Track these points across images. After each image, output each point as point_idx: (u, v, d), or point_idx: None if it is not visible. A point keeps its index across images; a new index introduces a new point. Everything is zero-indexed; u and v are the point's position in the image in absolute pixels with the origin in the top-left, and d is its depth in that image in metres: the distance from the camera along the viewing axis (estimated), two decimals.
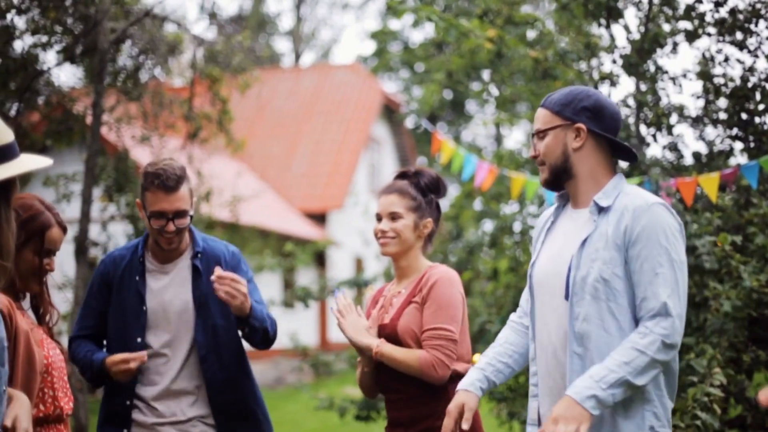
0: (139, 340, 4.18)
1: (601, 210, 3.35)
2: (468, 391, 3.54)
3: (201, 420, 4.19)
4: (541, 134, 3.47)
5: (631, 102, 6.93)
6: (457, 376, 3.77)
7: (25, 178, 10.04)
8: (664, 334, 3.15)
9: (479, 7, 7.81)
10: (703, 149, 6.94)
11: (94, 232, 10.22)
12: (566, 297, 3.34)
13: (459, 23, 7.61)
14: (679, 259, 3.25)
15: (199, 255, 4.21)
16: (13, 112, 9.66)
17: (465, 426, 3.44)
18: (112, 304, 4.26)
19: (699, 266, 6.00)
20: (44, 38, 9.48)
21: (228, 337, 4.19)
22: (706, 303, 5.90)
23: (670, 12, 6.94)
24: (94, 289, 4.31)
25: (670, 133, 6.94)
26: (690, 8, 6.81)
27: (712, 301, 5.63)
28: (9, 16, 9.22)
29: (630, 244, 3.25)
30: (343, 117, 25.73)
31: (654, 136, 6.96)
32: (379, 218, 3.99)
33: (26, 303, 3.67)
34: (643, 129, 6.97)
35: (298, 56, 40.24)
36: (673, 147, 6.96)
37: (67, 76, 33.45)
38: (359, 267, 24.54)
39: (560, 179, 3.47)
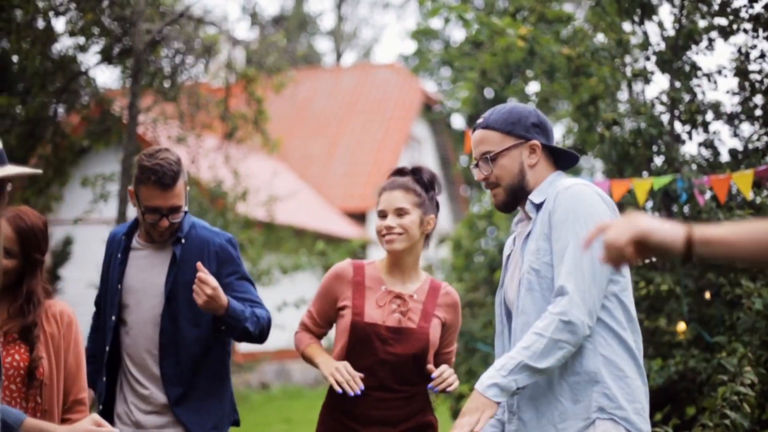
0: (113, 318, 4.19)
1: (537, 207, 3.35)
2: None
3: (156, 412, 4.18)
4: (492, 156, 3.42)
5: (665, 99, 6.88)
6: None
7: (64, 179, 10.15)
8: (559, 312, 3.11)
9: (512, 5, 7.80)
10: (739, 146, 6.87)
11: None
12: None
13: (491, 21, 7.59)
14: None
15: (181, 241, 4.16)
16: (51, 113, 9.78)
17: None
18: (103, 284, 4.32)
19: (731, 264, 5.95)
20: (82, 40, 9.59)
21: (191, 332, 4.13)
22: (738, 301, 5.85)
23: (705, 8, 6.88)
24: (103, 263, 4.36)
25: (705, 130, 6.88)
26: (725, 4, 6.75)
27: (744, 299, 5.57)
28: (48, 17, 9.34)
29: (551, 230, 3.25)
30: (384, 116, 25.73)
31: (689, 133, 6.90)
32: (383, 215, 3.91)
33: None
34: (678, 126, 6.92)
35: (339, 56, 40.32)
36: (709, 144, 6.90)
37: (105, 77, 33.79)
38: None
39: (517, 199, 3.45)
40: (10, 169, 2.61)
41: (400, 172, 4.04)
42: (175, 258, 4.14)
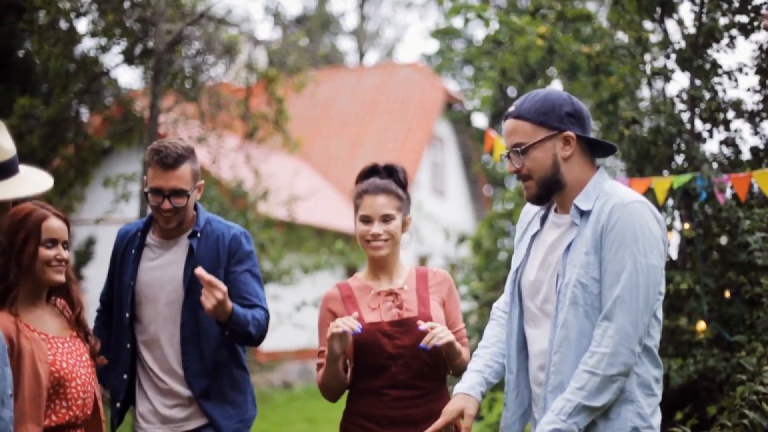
0: (127, 315, 4.20)
1: (583, 213, 3.23)
2: (468, 395, 3.47)
3: (181, 405, 4.19)
4: (524, 149, 3.26)
5: (684, 97, 6.84)
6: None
7: (86, 179, 10.21)
8: (608, 347, 3.07)
9: (532, 3, 7.77)
10: (760, 144, 6.82)
11: None
12: None
13: (510, 20, 7.57)
14: (645, 262, 3.10)
15: (197, 235, 4.18)
16: (74, 114, 9.84)
17: None
18: (115, 278, 4.31)
19: (751, 263, 5.92)
20: (104, 41, 9.64)
21: (211, 324, 4.10)
22: (758, 300, 5.81)
23: (725, 5, 6.84)
24: (111, 261, 4.37)
25: (727, 128, 6.84)
26: (745, 1, 6.70)
27: (764, 298, 5.54)
28: (70, 18, 9.40)
29: (604, 245, 3.13)
30: (406, 115, 25.71)
31: (710, 131, 6.86)
32: (368, 220, 3.88)
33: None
34: (698, 124, 6.88)
35: (362, 55, 40.34)
36: (730, 142, 6.86)
37: (128, 77, 33.93)
38: (422, 265, 24.57)
39: (551, 192, 3.31)
40: (14, 188, 2.64)
41: (375, 171, 3.99)
42: (192, 251, 4.16)
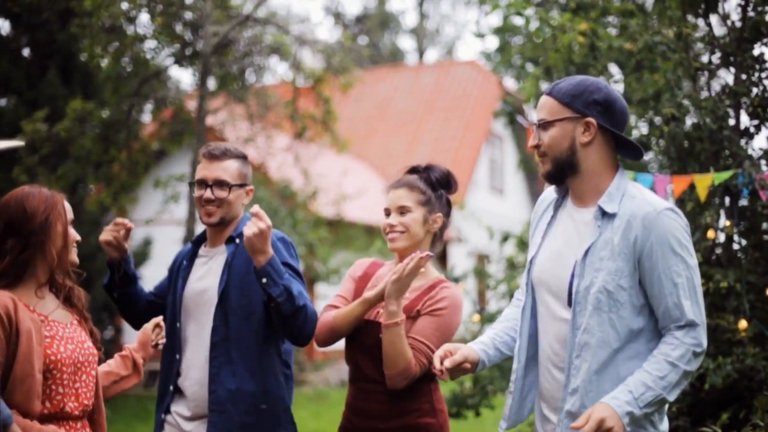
0: (178, 325, 4.24)
1: (605, 215, 3.26)
2: (470, 347, 3.50)
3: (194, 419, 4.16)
4: (546, 125, 3.33)
5: (727, 92, 6.75)
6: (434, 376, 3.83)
7: (138, 181, 10.35)
8: (695, 344, 3.16)
9: (572, 1, 7.70)
10: None
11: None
12: (569, 304, 3.28)
13: (550, 17, 7.52)
14: (694, 264, 3.22)
15: (235, 240, 4.18)
16: (125, 117, 9.99)
17: (447, 364, 3.36)
18: (170, 291, 4.36)
19: None
20: (153, 44, 9.78)
21: (240, 332, 4.07)
22: None
23: None
24: (167, 275, 4.46)
25: None
26: None
27: None
28: (120, 22, 9.55)
29: (643, 255, 3.18)
30: (463, 113, 25.69)
31: (758, 127, 6.76)
32: (387, 213, 3.96)
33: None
34: (745, 120, 6.78)
35: (421, 53, 40.33)
36: None
37: (179, 80, 34.39)
38: (481, 263, 24.48)
39: (564, 173, 3.36)
40: None
41: (412, 170, 4.06)
42: (229, 257, 4.16)
